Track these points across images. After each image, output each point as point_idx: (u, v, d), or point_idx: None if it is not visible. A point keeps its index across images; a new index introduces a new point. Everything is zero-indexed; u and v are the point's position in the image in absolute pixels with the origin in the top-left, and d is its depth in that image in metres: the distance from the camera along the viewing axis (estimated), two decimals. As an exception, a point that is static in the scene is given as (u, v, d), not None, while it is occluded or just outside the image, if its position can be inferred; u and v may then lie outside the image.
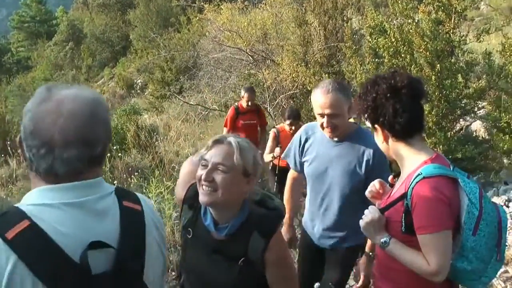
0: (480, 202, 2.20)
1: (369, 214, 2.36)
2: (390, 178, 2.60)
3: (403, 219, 2.25)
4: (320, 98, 3.23)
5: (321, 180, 3.46)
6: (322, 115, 3.25)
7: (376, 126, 2.39)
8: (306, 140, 3.57)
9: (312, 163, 3.50)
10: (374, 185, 2.61)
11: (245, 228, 2.26)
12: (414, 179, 2.23)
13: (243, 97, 8.02)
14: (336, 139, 3.37)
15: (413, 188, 2.21)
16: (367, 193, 2.63)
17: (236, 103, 8.40)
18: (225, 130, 8.12)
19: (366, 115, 2.40)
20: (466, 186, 2.21)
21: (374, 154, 3.23)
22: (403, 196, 2.26)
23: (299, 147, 3.60)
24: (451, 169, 2.30)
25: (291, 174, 3.83)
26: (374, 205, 2.52)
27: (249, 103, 7.94)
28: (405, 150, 2.36)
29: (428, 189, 2.17)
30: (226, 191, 2.19)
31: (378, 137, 2.43)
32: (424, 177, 2.19)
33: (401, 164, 2.42)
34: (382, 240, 2.33)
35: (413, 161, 2.33)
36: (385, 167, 3.27)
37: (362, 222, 2.39)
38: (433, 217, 2.17)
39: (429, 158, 2.29)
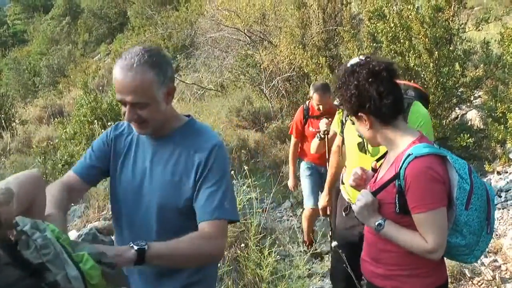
0: (470, 177, 2.26)
1: (363, 198, 2.38)
2: (373, 163, 2.62)
3: (396, 200, 2.27)
4: (118, 76, 2.04)
5: (134, 201, 2.25)
6: (123, 102, 2.09)
7: (360, 114, 2.38)
8: (114, 140, 2.35)
9: (125, 175, 2.29)
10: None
11: None
12: (405, 159, 2.25)
13: (311, 97, 5.66)
14: (153, 135, 2.25)
15: (405, 168, 2.23)
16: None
17: (307, 102, 5.99)
18: (292, 138, 6.08)
19: (349, 104, 2.38)
20: (455, 163, 2.27)
21: (208, 156, 2.14)
22: (395, 177, 2.28)
23: (101, 147, 2.37)
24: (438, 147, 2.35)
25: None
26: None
27: (320, 108, 5.56)
28: (392, 133, 2.38)
29: (421, 168, 2.21)
30: None
31: (362, 125, 2.42)
32: (415, 157, 2.22)
33: (389, 148, 2.44)
34: (377, 222, 2.35)
35: (401, 143, 2.35)
36: (223, 172, 2.17)
37: (355, 207, 2.41)
38: (428, 195, 2.21)
39: (416, 138, 2.33)
